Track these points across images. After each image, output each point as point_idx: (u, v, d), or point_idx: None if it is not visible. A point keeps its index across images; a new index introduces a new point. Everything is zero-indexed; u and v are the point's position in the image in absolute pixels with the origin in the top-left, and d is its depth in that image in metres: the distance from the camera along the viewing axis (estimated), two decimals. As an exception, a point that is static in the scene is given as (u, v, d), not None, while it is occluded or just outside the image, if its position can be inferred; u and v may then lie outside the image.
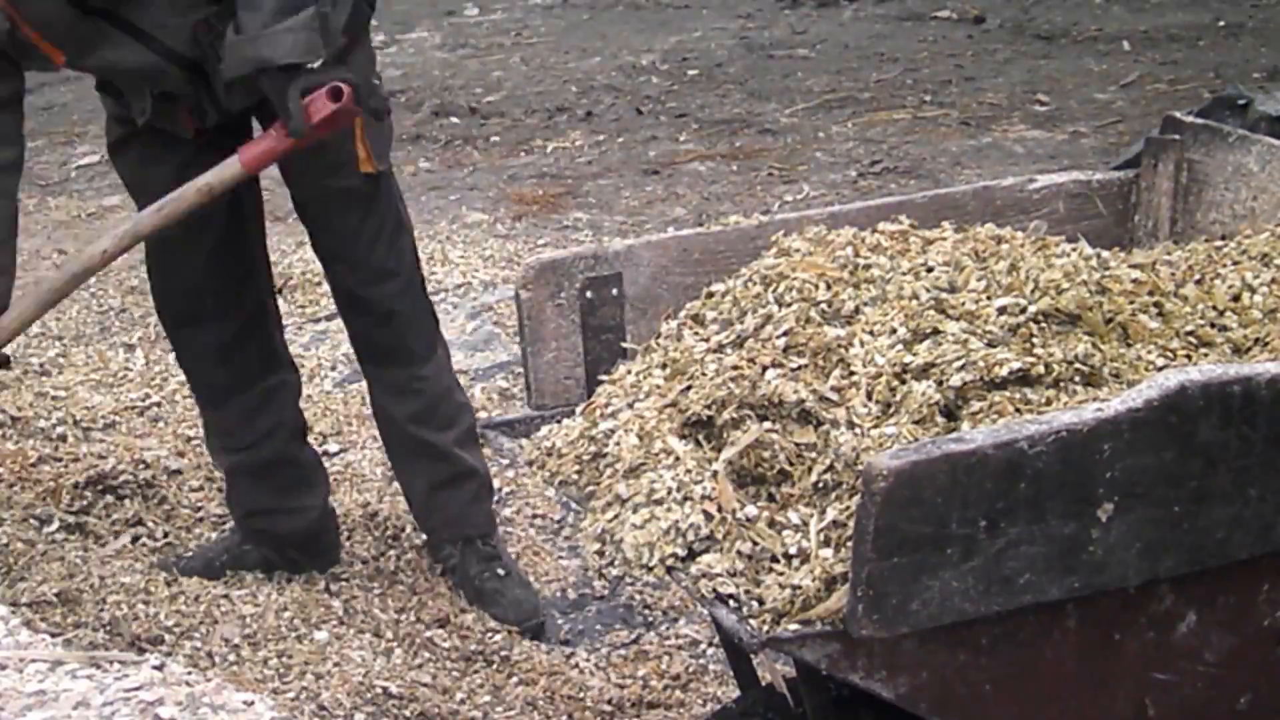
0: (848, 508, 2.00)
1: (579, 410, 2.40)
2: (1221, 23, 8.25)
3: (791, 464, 2.10)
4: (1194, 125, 2.81)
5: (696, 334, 2.37)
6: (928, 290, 2.29)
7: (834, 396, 2.13)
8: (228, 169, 2.91)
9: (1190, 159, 2.78)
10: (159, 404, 4.56)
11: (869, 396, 2.13)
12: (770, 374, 2.17)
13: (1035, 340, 2.17)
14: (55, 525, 3.77)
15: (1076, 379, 2.14)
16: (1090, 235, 2.61)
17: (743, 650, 2.51)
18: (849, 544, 1.91)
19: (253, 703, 2.35)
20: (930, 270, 2.35)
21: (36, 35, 3.01)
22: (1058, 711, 2.07)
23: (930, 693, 1.97)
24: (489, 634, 3.50)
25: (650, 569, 2.06)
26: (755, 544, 2.03)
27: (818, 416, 2.12)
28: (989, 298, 2.25)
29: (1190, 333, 2.30)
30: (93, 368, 4.84)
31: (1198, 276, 2.42)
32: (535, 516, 3.95)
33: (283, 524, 3.56)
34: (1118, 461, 1.90)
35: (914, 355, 2.16)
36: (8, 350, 3.15)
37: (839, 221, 2.58)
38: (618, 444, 2.21)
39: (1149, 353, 2.23)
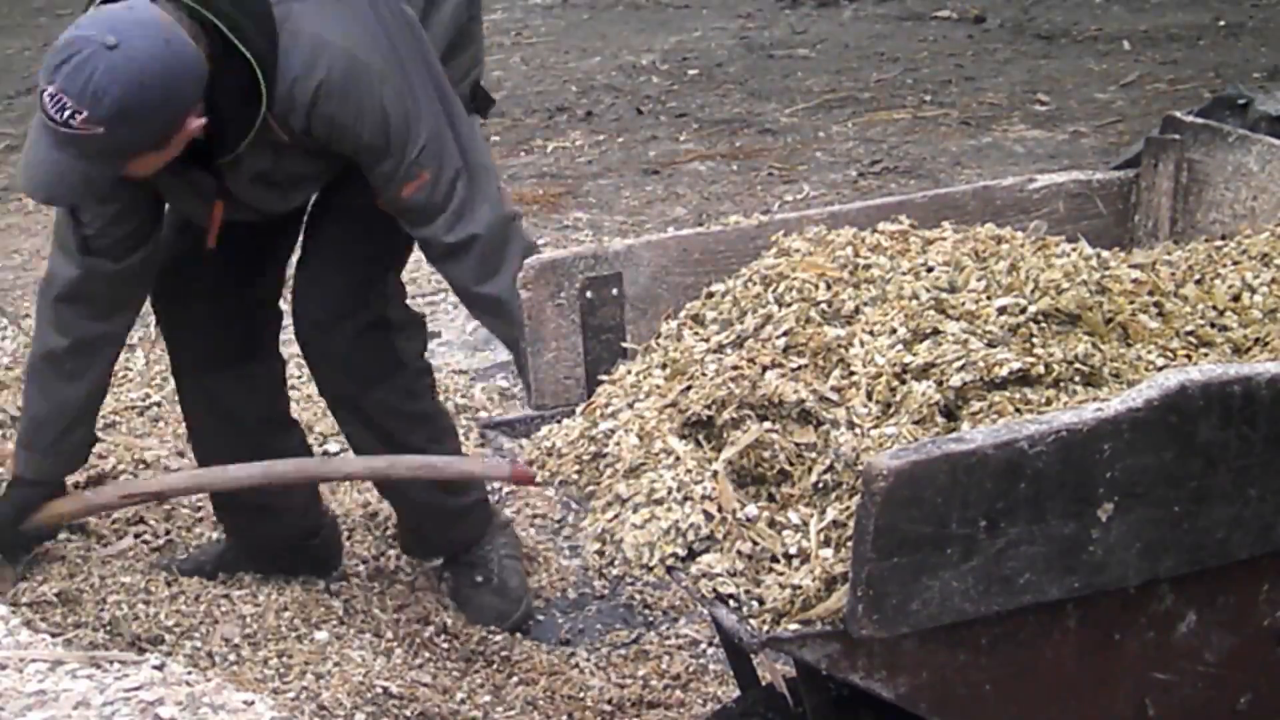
0: (848, 508, 2.00)
1: (579, 410, 2.40)
2: (1222, 22, 8.25)
3: (791, 464, 2.10)
4: (1194, 125, 2.81)
5: (696, 334, 2.37)
6: (928, 290, 2.29)
7: (834, 396, 2.13)
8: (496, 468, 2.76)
9: (1190, 159, 2.78)
10: (159, 404, 4.56)
11: (869, 396, 2.13)
12: (770, 374, 2.17)
13: (1035, 340, 2.17)
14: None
15: (1076, 379, 2.14)
16: (1090, 235, 2.61)
17: (743, 650, 2.51)
18: (849, 544, 1.91)
19: (253, 702, 2.36)
20: (930, 270, 2.35)
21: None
22: (1058, 711, 2.07)
23: (930, 693, 1.97)
24: (489, 634, 3.50)
25: (650, 569, 2.06)
26: (755, 544, 2.03)
27: (818, 416, 2.12)
28: (989, 298, 2.25)
29: (1190, 333, 2.30)
30: (93, 367, 4.83)
31: (1198, 276, 2.42)
32: (535, 516, 3.95)
33: (269, 528, 3.54)
34: (1118, 461, 1.90)
35: (914, 355, 2.16)
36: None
37: (839, 221, 2.58)
38: (618, 444, 2.21)
39: (1149, 353, 2.23)
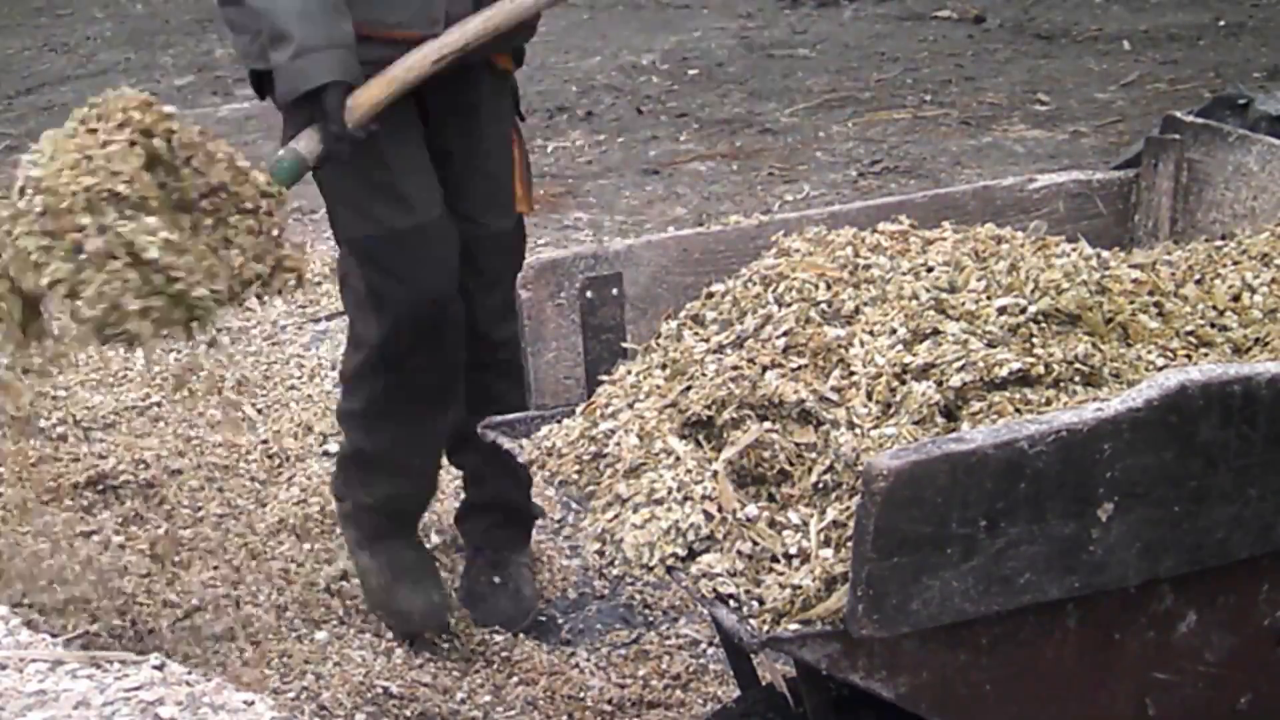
0: (848, 508, 2.00)
1: (579, 410, 2.40)
2: (1222, 22, 8.25)
3: (791, 464, 2.10)
4: (1194, 125, 2.81)
5: (696, 334, 2.37)
6: (928, 290, 2.29)
7: (834, 396, 2.13)
8: None
9: (1190, 159, 2.78)
10: (159, 404, 4.56)
11: (869, 397, 2.13)
12: (770, 374, 2.17)
13: (1035, 340, 2.17)
14: (56, 525, 3.77)
15: (1076, 379, 2.14)
16: (1090, 235, 2.61)
17: (743, 650, 2.51)
18: (849, 544, 1.91)
19: (253, 702, 2.36)
20: (930, 270, 2.35)
21: None
22: (1058, 711, 2.07)
23: (930, 692, 1.97)
24: (489, 634, 3.50)
25: (650, 569, 2.06)
26: (755, 544, 2.03)
27: (818, 416, 2.12)
28: (989, 298, 2.25)
29: (1190, 333, 2.30)
30: (93, 368, 4.84)
31: (1198, 276, 2.42)
32: (535, 516, 3.95)
33: None
34: (1118, 461, 1.90)
35: (914, 355, 2.16)
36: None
37: (839, 221, 2.58)
38: (618, 444, 2.21)
39: (1149, 353, 2.24)
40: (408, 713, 3.14)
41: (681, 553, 2.04)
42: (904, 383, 2.13)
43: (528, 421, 2.48)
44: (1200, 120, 2.85)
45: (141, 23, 9.77)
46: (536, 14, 3.06)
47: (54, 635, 3.07)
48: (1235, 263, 2.48)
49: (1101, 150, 6.34)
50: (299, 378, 4.73)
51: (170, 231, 2.40)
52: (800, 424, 2.12)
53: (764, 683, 2.58)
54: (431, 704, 3.19)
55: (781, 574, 1.99)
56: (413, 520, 3.56)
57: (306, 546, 3.80)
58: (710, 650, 3.44)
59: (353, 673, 3.21)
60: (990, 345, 2.16)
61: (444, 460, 3.62)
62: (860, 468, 1.97)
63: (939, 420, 2.09)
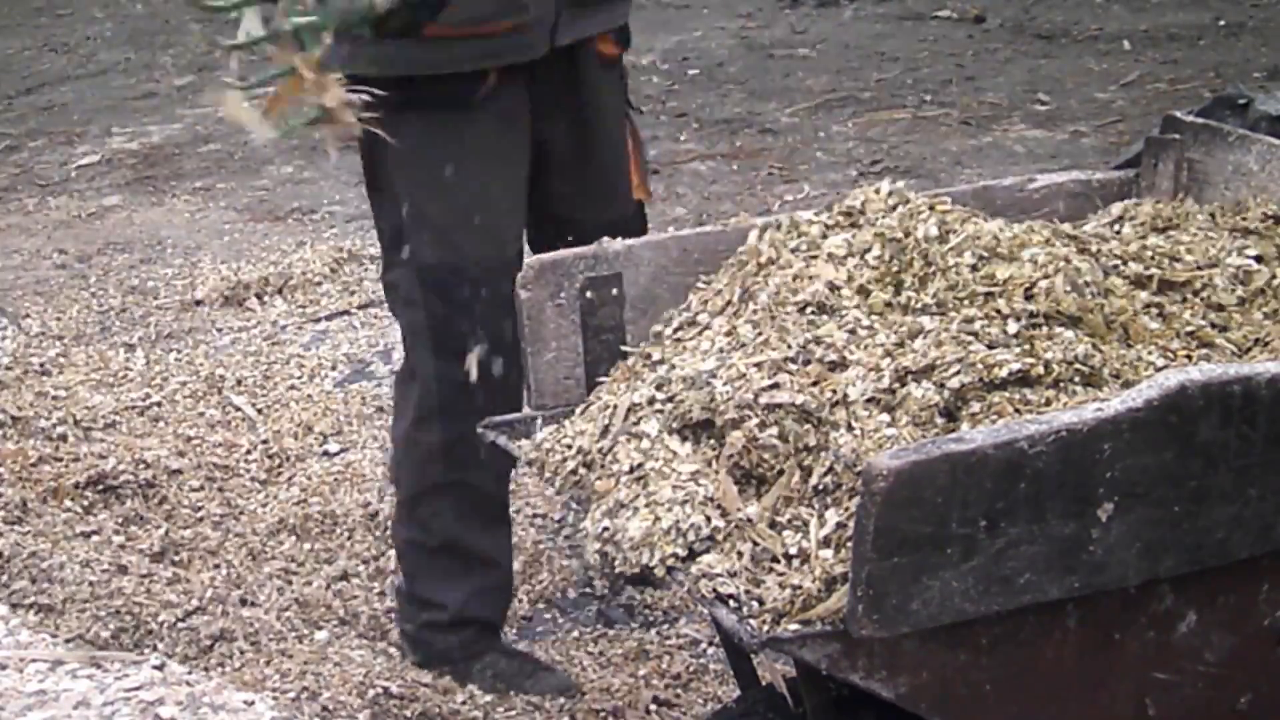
0: (848, 509, 2.00)
1: (579, 410, 2.40)
2: (1222, 22, 8.25)
3: (791, 464, 2.10)
4: (1194, 125, 2.81)
5: (696, 334, 2.37)
6: (928, 290, 2.29)
7: (834, 397, 2.13)
8: None
9: (1190, 158, 2.78)
10: (159, 404, 4.57)
11: (869, 398, 2.13)
12: (770, 374, 2.17)
13: (1035, 341, 2.17)
14: (56, 525, 3.77)
15: (1076, 379, 2.14)
16: (1090, 235, 2.61)
17: (743, 650, 2.51)
18: (849, 544, 1.91)
19: (253, 702, 2.36)
20: (930, 269, 2.35)
21: None
22: (1058, 711, 2.07)
23: (930, 692, 1.97)
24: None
25: (650, 569, 2.06)
26: (755, 544, 2.03)
27: (818, 417, 2.12)
28: (989, 298, 2.25)
29: (1190, 333, 2.30)
30: (93, 367, 4.85)
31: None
32: (535, 516, 3.95)
33: None
34: (1118, 461, 1.90)
35: (913, 356, 2.16)
36: None
37: (839, 221, 2.57)
38: (618, 444, 2.21)
39: (1149, 353, 2.24)
40: (408, 713, 3.14)
41: (682, 553, 2.04)
42: (904, 384, 2.13)
43: (528, 422, 2.48)
44: (1200, 120, 2.84)
45: (141, 22, 9.77)
46: None
47: (54, 635, 3.07)
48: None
49: (1102, 150, 6.34)
50: (299, 378, 4.74)
51: None
52: (800, 424, 2.12)
53: (764, 683, 2.58)
54: (431, 704, 3.19)
55: (782, 574, 1.99)
56: (501, 621, 3.33)
57: (306, 546, 3.80)
58: (710, 650, 3.44)
59: (353, 673, 3.21)
60: (990, 346, 2.16)
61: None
62: (860, 469, 1.96)
63: (938, 421, 2.09)
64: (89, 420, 4.39)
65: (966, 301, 2.26)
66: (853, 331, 2.23)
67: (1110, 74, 7.54)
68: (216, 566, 3.71)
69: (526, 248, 3.17)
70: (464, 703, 3.23)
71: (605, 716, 3.25)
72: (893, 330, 2.22)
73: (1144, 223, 2.56)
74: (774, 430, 2.12)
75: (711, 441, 2.17)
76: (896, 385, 2.13)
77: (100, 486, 3.96)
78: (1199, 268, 2.42)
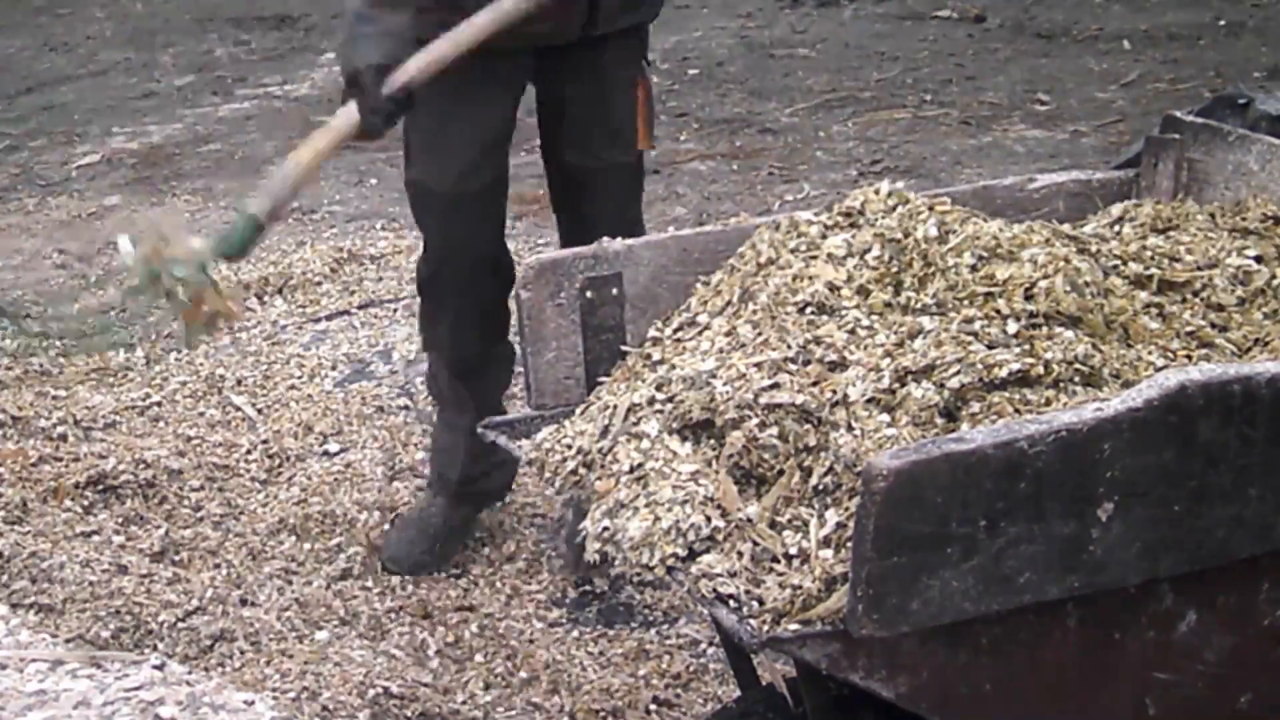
0: (848, 509, 2.00)
1: (579, 410, 2.40)
2: (1222, 22, 8.25)
3: (791, 464, 2.10)
4: (1194, 124, 2.81)
5: (695, 334, 2.37)
6: (928, 290, 2.29)
7: (834, 397, 2.13)
8: None
9: (1190, 158, 2.78)
10: (159, 403, 4.57)
11: (869, 398, 2.13)
12: (770, 374, 2.17)
13: (1035, 341, 2.17)
14: (56, 525, 3.77)
15: (1076, 379, 2.14)
16: (1090, 235, 2.61)
17: (743, 650, 2.51)
18: (849, 544, 1.91)
19: (253, 702, 2.36)
20: (930, 269, 2.35)
21: None
22: (1058, 711, 2.07)
23: (930, 692, 1.97)
24: (490, 634, 3.50)
25: (650, 569, 2.06)
26: (756, 544, 2.03)
27: (818, 417, 2.12)
28: (989, 298, 2.25)
29: (1191, 333, 2.30)
30: (93, 367, 4.85)
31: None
32: (535, 516, 3.95)
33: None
34: (1118, 461, 1.90)
35: (913, 357, 2.16)
36: None
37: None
38: (618, 444, 2.21)
39: (1149, 353, 2.24)
40: (408, 713, 3.14)
41: (682, 553, 2.04)
42: (904, 384, 2.13)
43: (528, 422, 2.48)
44: (1200, 120, 2.84)
45: (142, 22, 9.77)
46: None
47: (54, 635, 3.07)
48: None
49: (1102, 150, 6.33)
50: (299, 377, 4.74)
51: None
52: (800, 424, 2.12)
53: (764, 683, 2.58)
54: (432, 704, 3.19)
55: (782, 574, 1.99)
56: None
57: (307, 546, 3.80)
58: (710, 650, 3.44)
59: (353, 672, 3.21)
60: (989, 346, 2.16)
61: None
62: (860, 469, 1.96)
63: (938, 421, 2.09)
64: (89, 420, 4.39)
65: (966, 302, 2.26)
66: (852, 332, 2.23)
67: (1110, 74, 7.53)
68: (217, 566, 3.71)
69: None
70: (464, 702, 3.24)
71: (605, 716, 3.25)
72: (892, 330, 2.22)
73: (1144, 223, 2.56)
74: (774, 430, 2.12)
75: (711, 441, 2.17)
76: (896, 385, 2.13)
77: (100, 486, 3.96)
78: (1199, 268, 2.42)
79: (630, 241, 2.55)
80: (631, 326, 2.51)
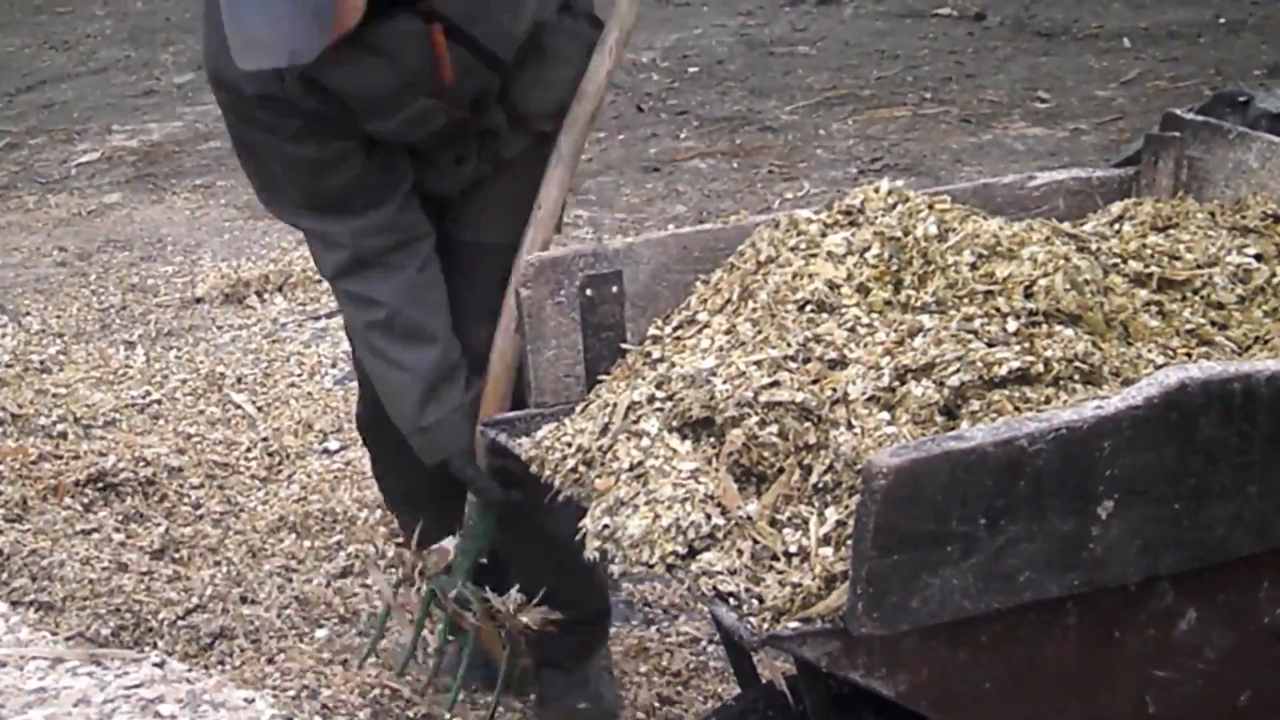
0: (848, 507, 2.00)
1: (579, 408, 2.40)
2: (1222, 20, 8.25)
3: (791, 462, 2.10)
4: (1194, 122, 2.81)
5: (695, 332, 2.37)
6: (928, 289, 2.29)
7: (834, 395, 2.13)
8: None
9: (1190, 156, 2.78)
10: (159, 401, 4.57)
11: (869, 396, 2.13)
12: (770, 372, 2.17)
13: (1035, 339, 2.17)
14: (56, 523, 3.78)
15: (1076, 377, 2.14)
16: (1090, 233, 2.61)
17: (743, 648, 2.51)
18: (849, 542, 1.91)
19: (253, 700, 2.36)
20: (930, 268, 2.35)
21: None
22: (1058, 709, 2.07)
23: (930, 690, 1.97)
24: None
25: (650, 566, 2.06)
26: (755, 542, 2.03)
27: (818, 415, 2.12)
28: (989, 296, 2.25)
29: (1191, 331, 2.30)
30: (93, 365, 4.85)
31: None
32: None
33: None
34: (1118, 459, 1.90)
35: (913, 355, 2.16)
36: None
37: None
38: (618, 442, 2.21)
39: (1149, 351, 2.24)
40: (410, 714, 3.14)
41: (682, 550, 2.04)
42: (903, 382, 2.13)
43: (528, 420, 2.48)
44: (1200, 118, 2.84)
45: (142, 20, 9.77)
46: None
47: (54, 633, 3.07)
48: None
49: (1102, 148, 6.34)
50: (299, 375, 4.74)
51: None
52: (800, 423, 2.12)
53: (764, 680, 2.58)
54: (432, 702, 3.18)
55: (782, 572, 1.99)
56: None
57: (307, 544, 3.80)
58: (710, 648, 3.44)
59: (353, 671, 3.21)
60: (989, 344, 2.16)
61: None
62: (860, 467, 1.96)
63: (938, 419, 2.09)
64: (89, 418, 4.39)
65: (966, 300, 2.26)
66: (852, 330, 2.24)
67: (1110, 71, 7.53)
68: (217, 564, 3.71)
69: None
70: (463, 700, 3.23)
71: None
72: (892, 328, 2.23)
73: (1144, 221, 2.56)
74: (774, 428, 2.12)
75: (711, 439, 2.17)
76: (896, 383, 2.13)
77: (100, 484, 3.96)
78: (1199, 266, 2.42)
79: (630, 239, 2.55)
80: (631, 324, 2.51)
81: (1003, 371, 2.11)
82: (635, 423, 2.22)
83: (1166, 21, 8.27)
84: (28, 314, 5.34)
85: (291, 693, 3.13)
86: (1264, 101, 4.42)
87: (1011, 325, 2.20)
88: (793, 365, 2.18)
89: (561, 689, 3.25)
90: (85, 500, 3.91)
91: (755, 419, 2.13)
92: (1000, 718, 2.04)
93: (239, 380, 4.71)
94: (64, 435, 4.26)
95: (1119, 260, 2.41)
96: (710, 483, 2.10)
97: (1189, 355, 2.24)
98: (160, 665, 2.47)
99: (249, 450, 4.27)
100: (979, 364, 2.12)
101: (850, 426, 2.09)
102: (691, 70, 8.00)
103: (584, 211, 6.11)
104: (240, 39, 2.45)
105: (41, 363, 4.87)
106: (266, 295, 5.39)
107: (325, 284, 5.34)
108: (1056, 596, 1.95)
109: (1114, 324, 2.26)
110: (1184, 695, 2.10)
